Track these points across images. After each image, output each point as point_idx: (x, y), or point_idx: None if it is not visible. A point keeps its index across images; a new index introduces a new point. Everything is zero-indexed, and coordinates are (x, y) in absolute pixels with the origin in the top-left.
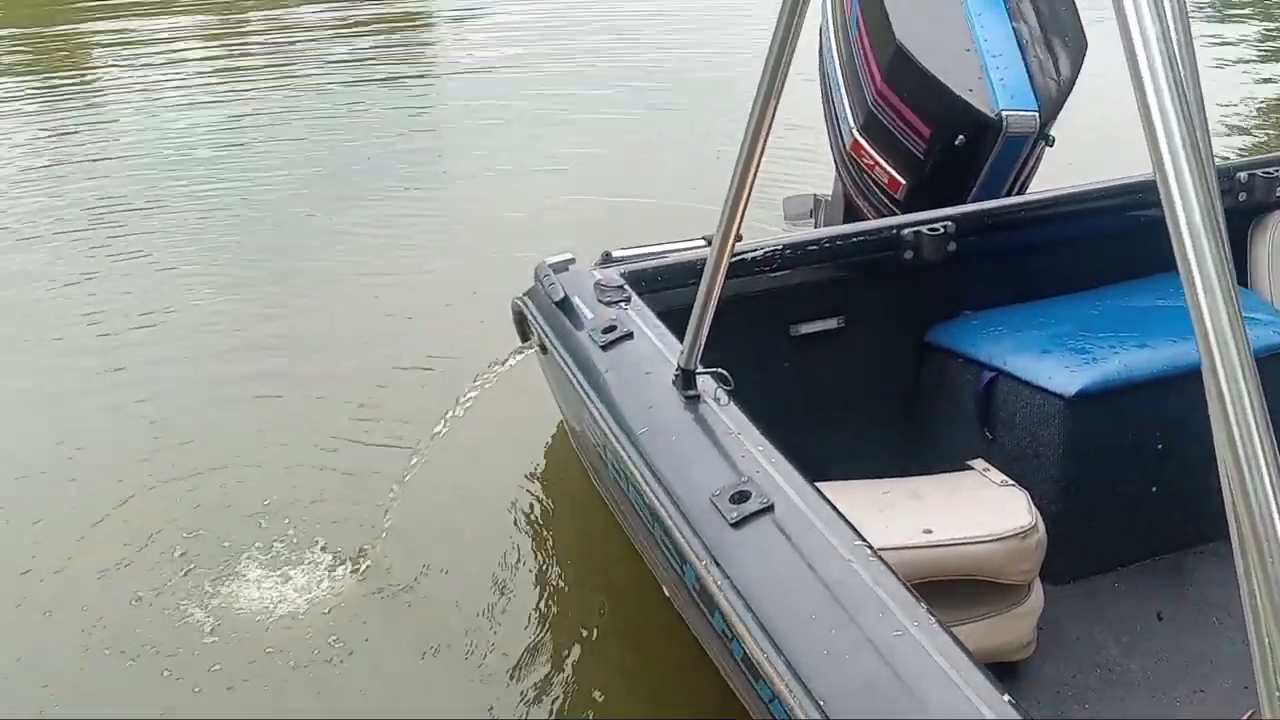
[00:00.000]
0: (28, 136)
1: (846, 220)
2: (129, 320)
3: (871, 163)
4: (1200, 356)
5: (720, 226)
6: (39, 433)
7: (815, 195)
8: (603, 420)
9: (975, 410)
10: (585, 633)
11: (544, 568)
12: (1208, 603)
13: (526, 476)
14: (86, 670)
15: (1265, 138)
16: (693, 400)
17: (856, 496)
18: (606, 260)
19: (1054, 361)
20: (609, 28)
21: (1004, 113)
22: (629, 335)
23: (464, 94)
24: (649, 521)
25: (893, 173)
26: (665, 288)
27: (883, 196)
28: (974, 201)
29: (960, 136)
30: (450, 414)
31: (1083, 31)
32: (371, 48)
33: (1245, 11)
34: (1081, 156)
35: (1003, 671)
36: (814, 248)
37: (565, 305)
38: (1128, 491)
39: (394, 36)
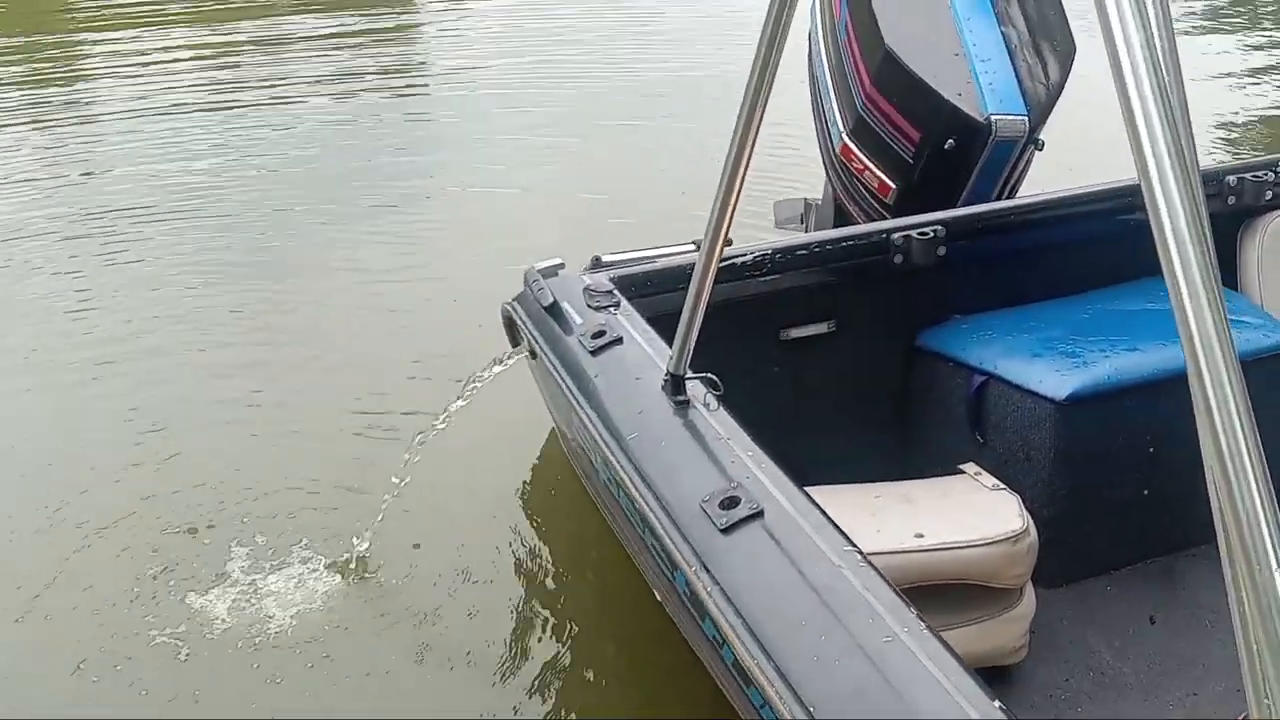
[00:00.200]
0: (20, 142)
1: (837, 224)
2: (119, 322)
3: (861, 167)
4: (1185, 359)
5: (708, 231)
6: (37, 433)
7: (806, 199)
8: (592, 426)
9: (966, 414)
10: (577, 636)
11: (536, 572)
12: (1200, 606)
13: (518, 480)
14: (87, 669)
15: (1255, 143)
16: (682, 405)
17: (847, 501)
18: (596, 265)
19: (1044, 365)
20: (601, 35)
21: (993, 117)
22: (618, 340)
23: (455, 99)
24: (639, 527)
25: (882, 177)
26: (655, 292)
27: (872, 201)
28: (964, 206)
29: (949, 141)
30: (439, 420)
31: (1071, 36)
32: (362, 56)
33: (1236, 19)
34: (1071, 161)
35: (995, 675)
36: (804, 252)
37: (554, 310)
38: (1119, 495)
39: (385, 45)
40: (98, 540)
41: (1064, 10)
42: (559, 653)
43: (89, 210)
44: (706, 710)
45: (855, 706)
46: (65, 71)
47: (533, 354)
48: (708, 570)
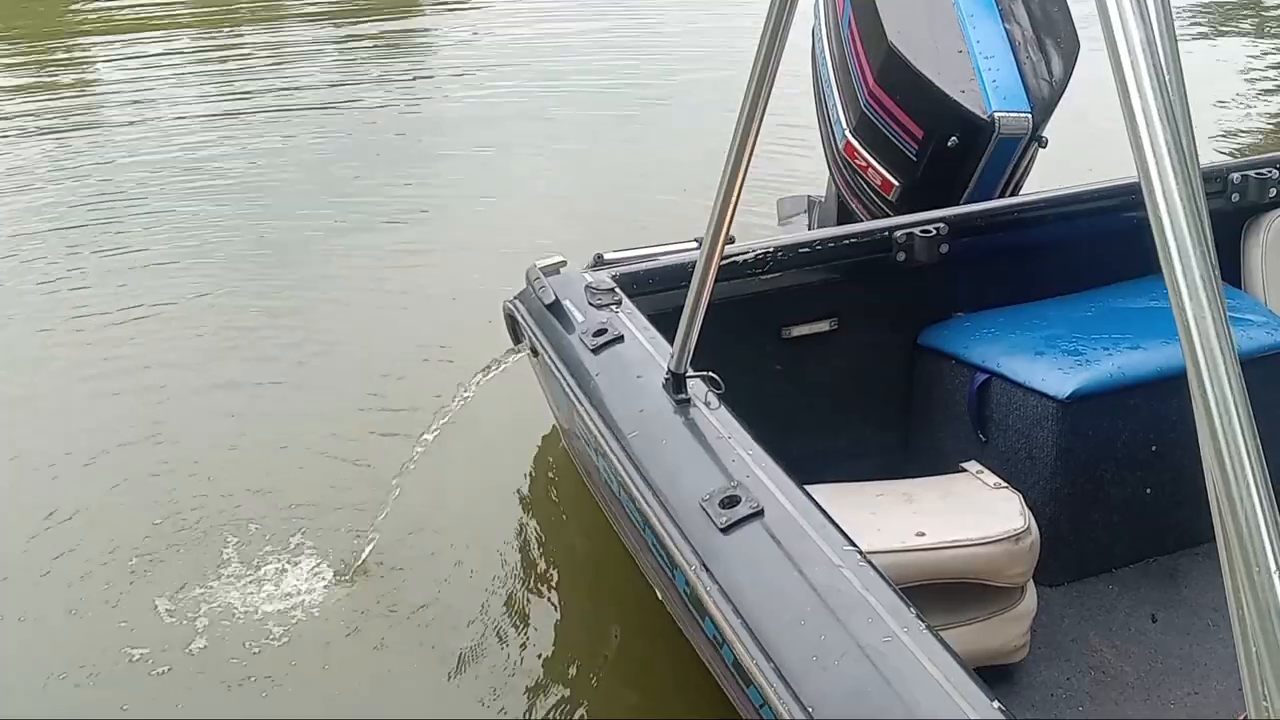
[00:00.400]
0: (25, 141)
1: (840, 221)
2: (120, 315)
3: (864, 164)
4: (1185, 360)
5: (709, 228)
6: (42, 428)
7: (809, 196)
8: (593, 424)
9: (968, 412)
10: (578, 635)
11: (537, 569)
12: (1202, 605)
13: (520, 477)
14: (88, 668)
15: (1260, 140)
16: (683, 404)
17: (849, 499)
18: (598, 262)
19: (1047, 363)
20: (603, 32)
21: (996, 114)
22: (619, 338)
23: (459, 99)
24: (640, 526)
25: (886, 174)
26: (656, 290)
27: (876, 198)
28: (967, 203)
29: (953, 138)
30: (441, 417)
31: (1075, 32)
32: (368, 49)
33: (1243, 15)
34: (1075, 158)
35: (996, 674)
36: (806, 250)
37: (556, 308)
38: (1121, 493)
39: (390, 37)
40: (89, 538)
41: (1068, 7)
42: (559, 651)
43: (91, 208)
44: (707, 709)
45: (854, 706)
46: (70, 74)
47: (534, 352)
48: (707, 570)
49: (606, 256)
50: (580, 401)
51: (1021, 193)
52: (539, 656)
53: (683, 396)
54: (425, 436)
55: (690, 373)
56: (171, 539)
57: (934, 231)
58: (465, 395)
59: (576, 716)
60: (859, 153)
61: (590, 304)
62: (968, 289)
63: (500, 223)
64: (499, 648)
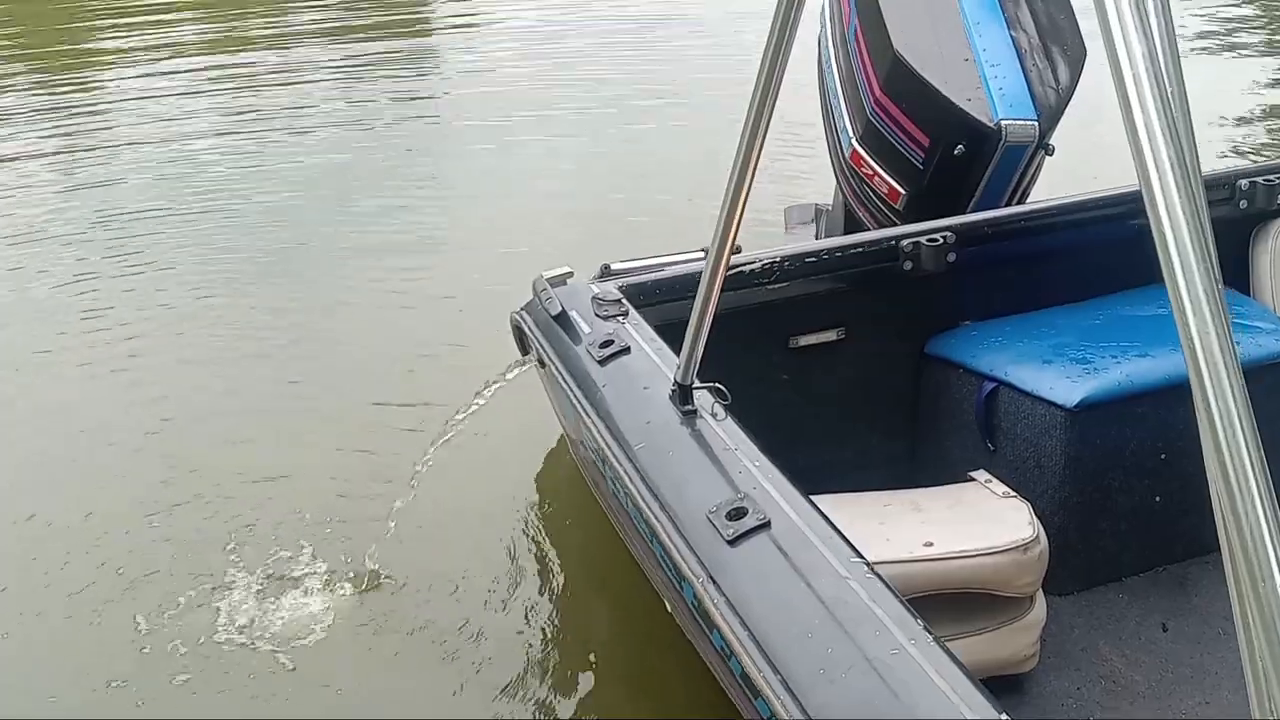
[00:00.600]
0: (33, 145)
1: (847, 230)
2: (130, 321)
3: (871, 173)
4: (1189, 373)
5: (715, 238)
6: (54, 431)
7: (816, 205)
8: (600, 436)
9: (976, 421)
10: (586, 644)
11: (545, 579)
12: (1212, 614)
13: (528, 487)
14: (88, 677)
15: (1269, 146)
16: (689, 415)
17: (857, 509)
18: (605, 273)
19: (1055, 372)
20: (611, 40)
21: (1003, 122)
22: (626, 350)
23: (466, 102)
24: (647, 538)
25: (892, 183)
26: (663, 301)
27: (882, 207)
28: (974, 211)
29: (959, 146)
30: (449, 427)
31: (1082, 40)
32: (374, 54)
33: (1259, 26)
34: (1082, 165)
35: (1006, 684)
36: (812, 259)
37: (563, 319)
38: (1131, 502)
39: (396, 43)
40: (100, 541)
41: (1074, 14)
42: (566, 661)
43: (101, 211)
44: (718, 717)
45: (862, 719)
46: (78, 76)
47: (541, 363)
48: (714, 582)
49: (613, 267)
50: (587, 413)
51: (1028, 201)
52: (545, 667)
53: (689, 408)
54: (432, 446)
55: (697, 384)
56: (173, 541)
57: (941, 240)
58: (472, 406)
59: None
60: (865, 161)
61: (597, 315)
62: (975, 297)
63: (510, 229)
64: (506, 657)
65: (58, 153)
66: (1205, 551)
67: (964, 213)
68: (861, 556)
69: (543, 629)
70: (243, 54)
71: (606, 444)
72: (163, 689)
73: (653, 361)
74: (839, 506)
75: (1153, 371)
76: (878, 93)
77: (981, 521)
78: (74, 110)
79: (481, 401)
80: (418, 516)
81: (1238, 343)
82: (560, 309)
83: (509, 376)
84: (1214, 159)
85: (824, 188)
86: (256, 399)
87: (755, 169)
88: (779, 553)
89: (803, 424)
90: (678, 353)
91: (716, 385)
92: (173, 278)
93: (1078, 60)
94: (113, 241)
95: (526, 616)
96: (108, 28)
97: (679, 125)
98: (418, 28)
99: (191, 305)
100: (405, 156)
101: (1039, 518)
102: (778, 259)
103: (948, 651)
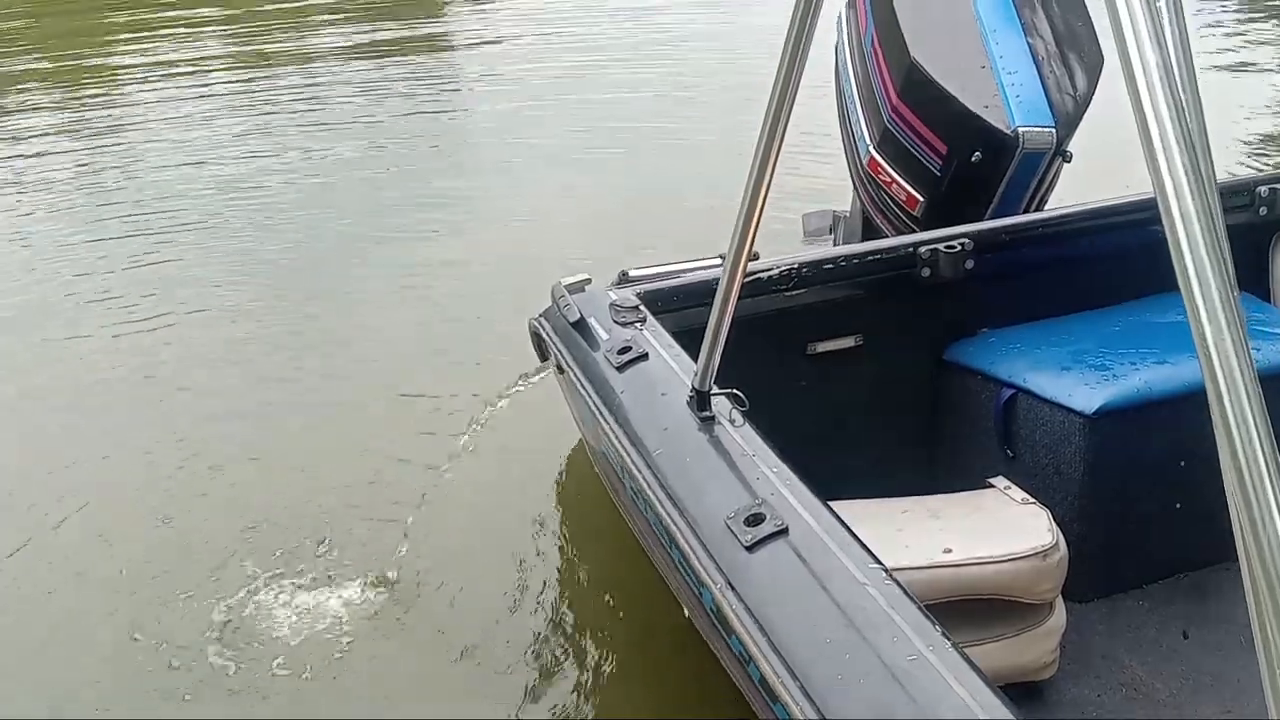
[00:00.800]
0: (55, 150)
1: (865, 237)
2: (150, 323)
3: (889, 180)
4: (1204, 380)
5: (732, 245)
6: (77, 429)
7: (834, 212)
8: (618, 442)
9: (995, 428)
10: (607, 647)
11: (563, 583)
12: (1233, 621)
13: (548, 492)
14: (106, 676)
15: None
16: (707, 422)
17: (875, 516)
18: (623, 280)
19: (1074, 379)
20: (630, 46)
21: (1020, 129)
22: (644, 356)
23: (486, 106)
24: (666, 543)
25: (910, 190)
26: (681, 307)
27: (900, 214)
28: (992, 218)
29: (977, 153)
30: (469, 431)
31: (1099, 46)
32: (394, 64)
33: (1272, 21)
34: (1100, 172)
35: (1025, 691)
36: (830, 266)
37: (581, 326)
38: (1150, 509)
39: (417, 55)
40: (115, 542)
41: (1091, 21)
42: (583, 665)
43: (122, 216)
44: None
45: None
46: (100, 82)
47: (560, 369)
48: (733, 588)
49: (631, 274)
50: (605, 419)
51: (1046, 208)
52: (563, 670)
53: (707, 414)
54: (454, 448)
55: (714, 390)
56: (189, 544)
57: (959, 247)
58: (492, 410)
59: None
60: (883, 168)
61: (615, 321)
62: (993, 304)
63: (531, 234)
64: (523, 661)
65: (79, 167)
66: (1226, 558)
67: (982, 220)
68: (880, 563)
69: (560, 633)
70: (265, 68)
71: (625, 450)
72: (168, 689)
73: (670, 368)
74: (857, 513)
75: (1172, 379)
76: (895, 100)
77: (1001, 528)
78: (95, 124)
79: (503, 404)
80: (436, 517)
81: (1256, 349)
82: (579, 315)
83: (529, 383)
84: (1234, 165)
85: (841, 195)
86: (277, 401)
87: (773, 175)
88: (797, 559)
89: (821, 430)
90: (695, 359)
91: (734, 391)
92: (193, 282)
93: (1095, 67)
94: (131, 242)
95: (544, 621)
96: (128, 41)
97: (704, 138)
98: (439, 43)
99: (213, 307)
100: (429, 163)
101: (1058, 524)
102: (795, 265)
103: (966, 658)
